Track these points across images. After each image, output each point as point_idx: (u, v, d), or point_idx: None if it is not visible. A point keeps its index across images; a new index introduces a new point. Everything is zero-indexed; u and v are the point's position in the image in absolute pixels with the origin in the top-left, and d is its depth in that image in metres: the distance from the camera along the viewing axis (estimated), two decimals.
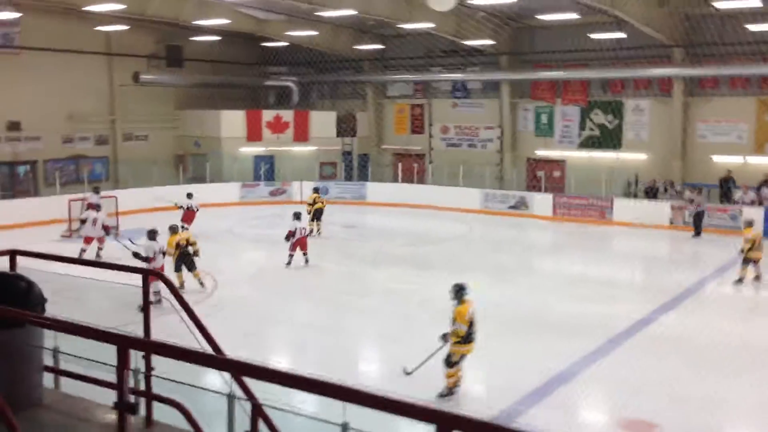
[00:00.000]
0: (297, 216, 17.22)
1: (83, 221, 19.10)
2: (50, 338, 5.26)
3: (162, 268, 13.60)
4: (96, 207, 19.11)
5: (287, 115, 30.62)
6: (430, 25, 24.47)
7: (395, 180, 29.97)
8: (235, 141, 29.47)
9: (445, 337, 9.56)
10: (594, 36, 24.83)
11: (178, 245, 14.61)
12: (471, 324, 9.62)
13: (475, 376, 10.90)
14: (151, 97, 29.32)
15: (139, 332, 5.41)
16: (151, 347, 3.86)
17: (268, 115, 30.38)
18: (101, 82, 28.04)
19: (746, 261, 15.77)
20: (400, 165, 30.54)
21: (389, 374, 10.50)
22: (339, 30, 29.00)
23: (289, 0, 21.03)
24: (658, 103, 25.95)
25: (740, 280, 15.86)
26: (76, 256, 15.37)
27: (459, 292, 9.74)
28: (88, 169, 26.84)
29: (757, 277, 15.82)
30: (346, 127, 31.75)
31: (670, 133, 25.41)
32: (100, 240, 18.05)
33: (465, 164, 28.26)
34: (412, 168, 30.07)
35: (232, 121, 29.75)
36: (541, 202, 25.80)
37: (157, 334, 5.50)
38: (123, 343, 3.28)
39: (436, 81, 30.78)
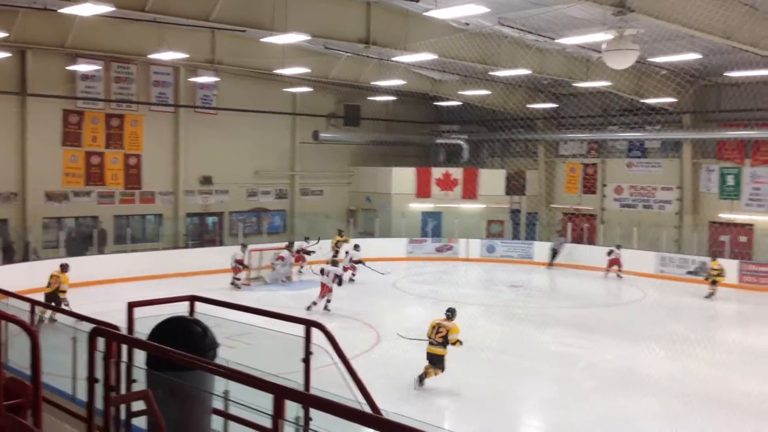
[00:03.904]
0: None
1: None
2: (221, 383, 5.60)
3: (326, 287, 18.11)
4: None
5: (456, 172, 30.97)
6: (607, 83, 23.86)
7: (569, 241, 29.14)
8: (404, 197, 30.19)
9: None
10: None
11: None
12: None
13: None
14: (327, 154, 30.94)
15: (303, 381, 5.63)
16: (305, 399, 3.96)
17: (437, 172, 30.90)
18: (285, 140, 30.03)
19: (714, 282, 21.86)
20: (570, 225, 29.72)
21: None
22: (512, 89, 29.07)
23: (464, 61, 21.45)
24: None
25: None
26: (251, 303, 16.28)
27: (455, 312, 12.65)
28: (267, 222, 28.68)
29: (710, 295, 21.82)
30: (515, 185, 31.54)
31: None
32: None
33: (640, 226, 26.97)
34: (582, 228, 29.15)
35: (403, 177, 30.55)
36: (725, 268, 23.89)
37: (319, 385, 5.69)
38: (278, 393, 3.41)
39: (612, 140, 29.87)
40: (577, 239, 28.84)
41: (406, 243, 28.53)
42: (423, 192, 30.51)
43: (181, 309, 5.90)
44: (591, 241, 28.54)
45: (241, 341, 9.86)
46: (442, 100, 30.59)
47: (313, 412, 4.78)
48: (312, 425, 4.79)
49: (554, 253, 27.36)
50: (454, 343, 12.22)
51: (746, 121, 25.47)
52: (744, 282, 23.37)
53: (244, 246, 22.45)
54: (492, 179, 31.17)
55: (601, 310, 20.17)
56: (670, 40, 19.11)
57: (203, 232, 27.75)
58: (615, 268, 25.25)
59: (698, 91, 26.64)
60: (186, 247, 25.88)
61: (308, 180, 30.75)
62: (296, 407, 5.05)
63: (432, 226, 30.07)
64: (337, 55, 23.96)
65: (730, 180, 26.70)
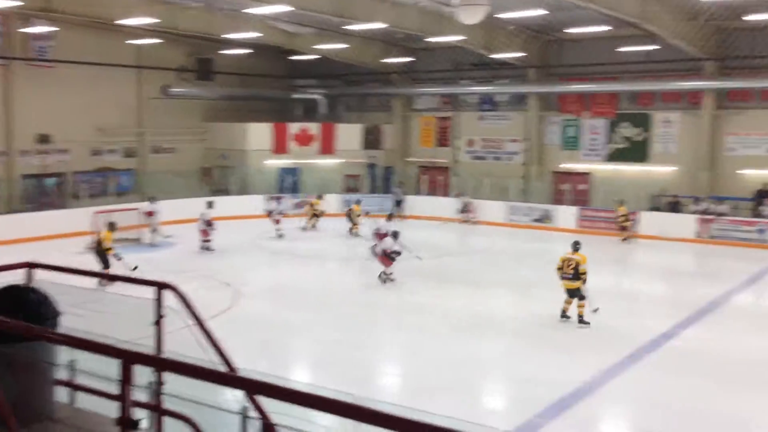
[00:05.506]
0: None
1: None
2: (67, 352, 5.34)
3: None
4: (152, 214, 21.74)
5: (313, 127, 30.83)
6: (459, 38, 24.47)
7: (419, 192, 29.98)
8: (261, 154, 29.74)
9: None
10: (624, 49, 24.70)
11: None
12: None
13: (494, 390, 10.87)
14: (179, 110, 29.76)
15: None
16: (154, 362, 3.87)
17: (294, 127, 30.61)
18: (130, 95, 28.52)
19: (623, 228, 23.32)
20: (425, 177, 30.54)
21: (409, 389, 10.48)
22: (368, 43, 29.15)
23: (320, 13, 21.19)
24: (687, 115, 25.68)
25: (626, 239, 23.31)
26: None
27: (580, 244, 13.69)
28: (114, 182, 27.23)
29: (626, 239, 23.31)
30: (371, 139, 31.88)
31: (699, 145, 25.13)
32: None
33: (490, 177, 28.21)
34: (436, 181, 30.05)
35: (259, 133, 30.02)
36: (566, 215, 25.64)
37: (173, 348, 5.56)
38: (125, 358, 3.31)
39: (464, 94, 30.78)
40: (433, 192, 29.72)
41: (264, 200, 28.18)
42: (280, 148, 30.16)
43: (19, 278, 5.54)
44: (445, 194, 29.52)
45: (89, 308, 9.42)
46: (298, 53, 30.18)
47: (169, 376, 4.69)
48: (167, 389, 4.70)
49: (397, 203, 28.19)
50: (583, 274, 13.00)
51: (585, 75, 27.08)
52: (582, 227, 25.15)
53: (210, 203, 21.13)
54: (349, 134, 31.32)
55: (454, 259, 21.00)
56: None
57: (42, 195, 25.93)
58: (469, 215, 26.54)
59: (543, 47, 27.95)
60: (23, 211, 24.10)
61: (159, 137, 29.45)
62: (149, 372, 4.93)
63: (290, 182, 29.88)
64: (185, 5, 22.92)
65: (571, 131, 28.40)
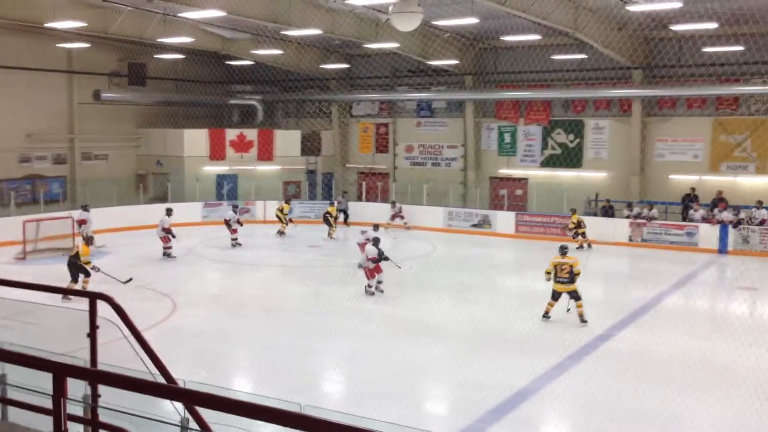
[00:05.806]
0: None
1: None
2: None
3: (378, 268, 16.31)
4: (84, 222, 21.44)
5: (251, 133, 30.52)
6: (395, 45, 24.66)
7: (359, 199, 29.99)
8: (197, 160, 29.25)
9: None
10: (556, 57, 25.28)
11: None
12: None
13: (436, 395, 10.92)
14: (111, 116, 29.05)
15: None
16: (90, 375, 3.75)
17: (231, 133, 30.24)
18: (61, 100, 27.69)
19: (576, 235, 22.91)
20: (364, 184, 30.58)
21: (353, 396, 10.44)
22: (305, 49, 29.04)
23: (254, 19, 21.02)
24: (618, 122, 26.46)
25: (581, 247, 22.75)
26: (29, 279, 15.02)
27: (568, 247, 14.32)
28: (44, 189, 26.32)
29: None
30: (310, 145, 31.77)
31: (629, 151, 25.92)
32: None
33: (429, 183, 28.45)
34: (376, 187, 30.13)
35: (195, 139, 29.54)
36: (504, 220, 26.04)
37: (110, 360, 5.39)
38: (58, 371, 3.19)
39: (402, 100, 30.99)
40: (372, 198, 29.78)
41: (201, 207, 27.74)
42: (217, 154, 29.74)
43: None
44: (385, 200, 29.60)
45: (20, 320, 9.09)
46: (234, 59, 29.83)
47: (105, 389, 4.54)
48: (103, 402, 4.55)
49: (342, 213, 27.83)
50: (577, 274, 13.43)
51: (520, 83, 27.61)
52: (519, 232, 25.58)
53: (169, 211, 21.21)
54: (287, 140, 31.14)
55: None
56: (450, 5, 20.10)
57: None
58: (400, 221, 26.66)
59: (478, 54, 28.38)
60: None
61: (91, 143, 28.66)
62: (84, 385, 4.77)
63: (228, 189, 29.50)
64: (117, 9, 22.37)
65: (507, 138, 28.91)
